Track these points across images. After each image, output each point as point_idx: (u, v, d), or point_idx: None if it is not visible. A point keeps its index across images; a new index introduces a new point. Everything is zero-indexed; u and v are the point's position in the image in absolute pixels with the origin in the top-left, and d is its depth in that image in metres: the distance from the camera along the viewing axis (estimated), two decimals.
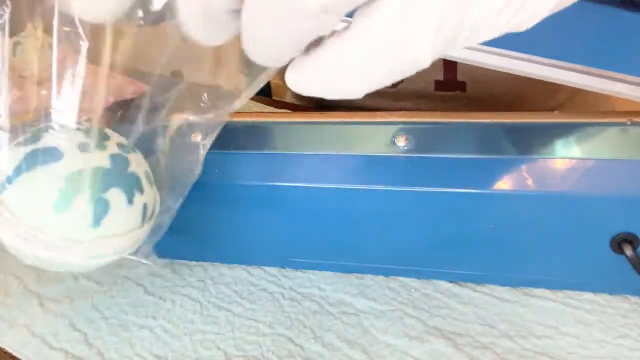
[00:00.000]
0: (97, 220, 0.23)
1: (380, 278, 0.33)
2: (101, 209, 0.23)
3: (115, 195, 0.23)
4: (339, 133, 0.32)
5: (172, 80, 0.27)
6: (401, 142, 0.31)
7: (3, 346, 0.29)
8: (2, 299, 0.33)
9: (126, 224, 0.24)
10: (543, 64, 0.27)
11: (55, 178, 0.22)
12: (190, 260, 0.35)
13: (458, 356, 0.28)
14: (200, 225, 0.33)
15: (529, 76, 0.28)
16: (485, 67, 0.27)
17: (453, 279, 0.33)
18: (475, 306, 0.31)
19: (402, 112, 0.32)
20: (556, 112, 0.33)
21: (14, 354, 0.29)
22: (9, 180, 0.22)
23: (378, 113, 0.32)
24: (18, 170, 0.23)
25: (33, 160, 0.23)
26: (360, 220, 0.31)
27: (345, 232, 0.31)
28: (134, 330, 0.30)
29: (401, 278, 0.33)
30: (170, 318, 0.31)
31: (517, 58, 0.27)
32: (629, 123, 0.30)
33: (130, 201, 0.24)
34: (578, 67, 0.27)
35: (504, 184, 0.30)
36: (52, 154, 0.23)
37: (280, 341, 0.29)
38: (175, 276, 0.34)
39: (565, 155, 0.30)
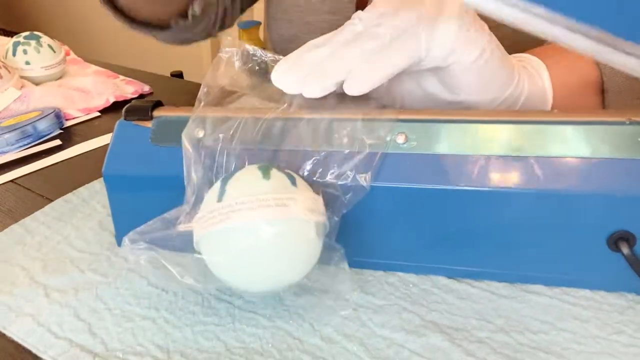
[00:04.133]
0: None
1: (379, 273, 0.34)
2: None
3: None
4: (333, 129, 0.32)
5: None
6: (400, 139, 0.31)
7: (9, 335, 0.30)
8: (8, 289, 0.33)
9: None
10: (561, 24, 0.26)
11: None
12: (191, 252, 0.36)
13: (454, 350, 0.28)
14: None
15: (543, 36, 0.27)
16: (499, 20, 0.26)
17: (451, 274, 0.33)
18: (473, 301, 0.31)
19: (401, 110, 0.32)
20: (555, 110, 0.34)
21: (20, 342, 0.30)
22: None
23: (377, 111, 0.32)
24: None
25: None
26: (360, 216, 0.32)
27: (344, 229, 0.31)
28: (137, 321, 0.31)
29: (400, 273, 0.34)
30: (172, 309, 0.31)
31: (537, 15, 0.25)
32: (627, 122, 0.30)
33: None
34: (596, 33, 0.25)
35: (502, 181, 0.30)
36: None
37: (280, 334, 0.30)
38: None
39: (564, 154, 0.30)
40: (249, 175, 0.29)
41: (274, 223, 0.27)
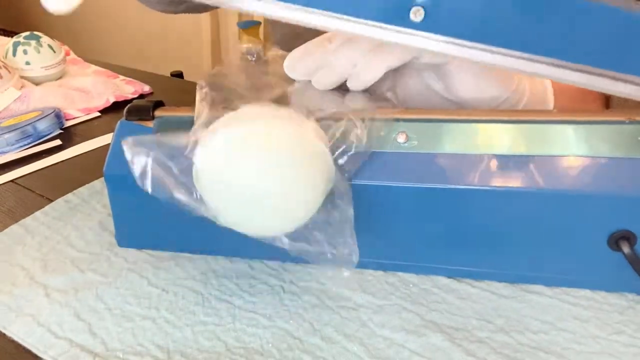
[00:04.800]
0: None
1: (380, 273, 0.34)
2: None
3: None
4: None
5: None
6: (401, 138, 0.31)
7: (9, 335, 0.30)
8: (9, 289, 0.33)
9: None
10: (548, 63, 0.27)
11: None
12: (192, 252, 0.36)
13: (454, 350, 0.28)
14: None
15: (535, 76, 0.29)
16: (484, 65, 0.27)
17: (451, 274, 0.33)
18: (473, 301, 0.31)
19: (402, 110, 0.32)
20: (555, 110, 0.34)
21: (20, 342, 0.30)
22: None
23: (379, 110, 0.32)
24: None
25: None
26: (360, 216, 0.32)
27: None
28: (137, 321, 0.31)
29: (400, 273, 0.34)
30: (173, 309, 0.31)
31: (521, 58, 0.27)
32: (627, 121, 0.30)
33: None
34: (582, 67, 0.27)
35: (502, 181, 0.30)
36: None
37: (280, 334, 0.29)
38: (178, 269, 0.35)
39: (564, 153, 0.30)
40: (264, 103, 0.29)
41: (291, 135, 0.25)
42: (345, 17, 0.27)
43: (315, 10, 0.26)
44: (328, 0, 0.26)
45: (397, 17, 0.26)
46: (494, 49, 0.27)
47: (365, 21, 0.27)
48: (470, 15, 0.26)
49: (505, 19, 0.26)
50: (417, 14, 0.26)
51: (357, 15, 0.26)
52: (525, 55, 0.27)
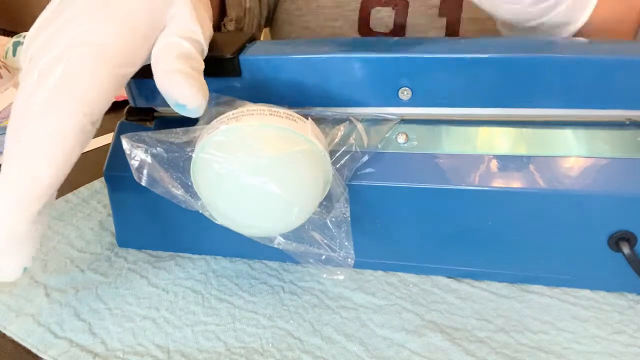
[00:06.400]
0: None
1: (380, 273, 0.34)
2: None
3: None
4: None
5: None
6: (401, 139, 0.31)
7: (9, 334, 0.30)
8: (9, 289, 0.33)
9: None
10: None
11: None
12: (192, 252, 0.36)
13: (454, 350, 0.28)
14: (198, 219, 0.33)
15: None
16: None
17: (451, 274, 0.33)
18: (473, 301, 0.31)
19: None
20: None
21: (20, 342, 0.30)
22: None
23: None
24: None
25: None
26: (360, 216, 0.32)
27: None
28: (137, 321, 0.31)
29: (400, 274, 0.34)
30: (173, 309, 0.31)
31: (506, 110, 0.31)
32: (627, 122, 0.30)
33: None
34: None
35: (502, 181, 0.30)
36: None
37: (280, 334, 0.29)
38: (178, 269, 0.35)
39: (563, 154, 0.30)
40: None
41: (288, 133, 0.25)
42: (346, 108, 0.31)
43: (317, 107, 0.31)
44: (330, 99, 0.30)
45: (388, 99, 0.30)
46: (478, 109, 0.31)
47: (362, 108, 0.31)
48: (450, 87, 0.29)
49: (482, 85, 0.29)
50: (405, 94, 0.30)
51: (356, 105, 0.31)
52: (510, 109, 0.30)
